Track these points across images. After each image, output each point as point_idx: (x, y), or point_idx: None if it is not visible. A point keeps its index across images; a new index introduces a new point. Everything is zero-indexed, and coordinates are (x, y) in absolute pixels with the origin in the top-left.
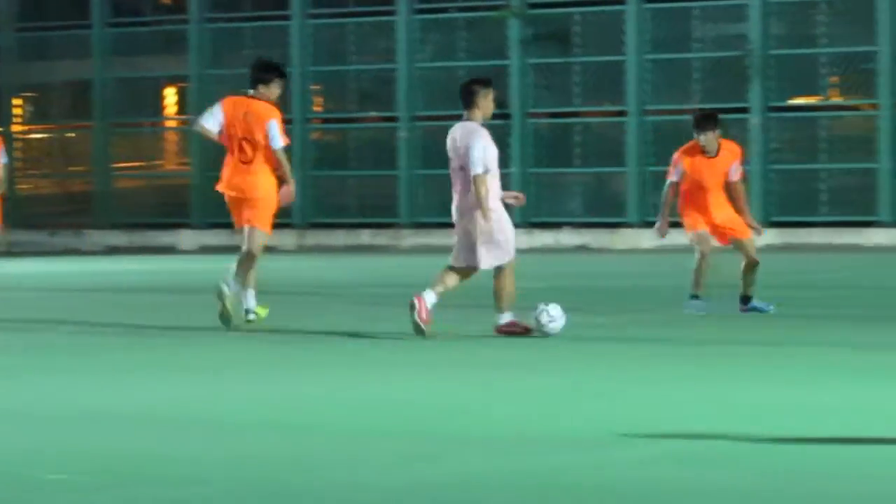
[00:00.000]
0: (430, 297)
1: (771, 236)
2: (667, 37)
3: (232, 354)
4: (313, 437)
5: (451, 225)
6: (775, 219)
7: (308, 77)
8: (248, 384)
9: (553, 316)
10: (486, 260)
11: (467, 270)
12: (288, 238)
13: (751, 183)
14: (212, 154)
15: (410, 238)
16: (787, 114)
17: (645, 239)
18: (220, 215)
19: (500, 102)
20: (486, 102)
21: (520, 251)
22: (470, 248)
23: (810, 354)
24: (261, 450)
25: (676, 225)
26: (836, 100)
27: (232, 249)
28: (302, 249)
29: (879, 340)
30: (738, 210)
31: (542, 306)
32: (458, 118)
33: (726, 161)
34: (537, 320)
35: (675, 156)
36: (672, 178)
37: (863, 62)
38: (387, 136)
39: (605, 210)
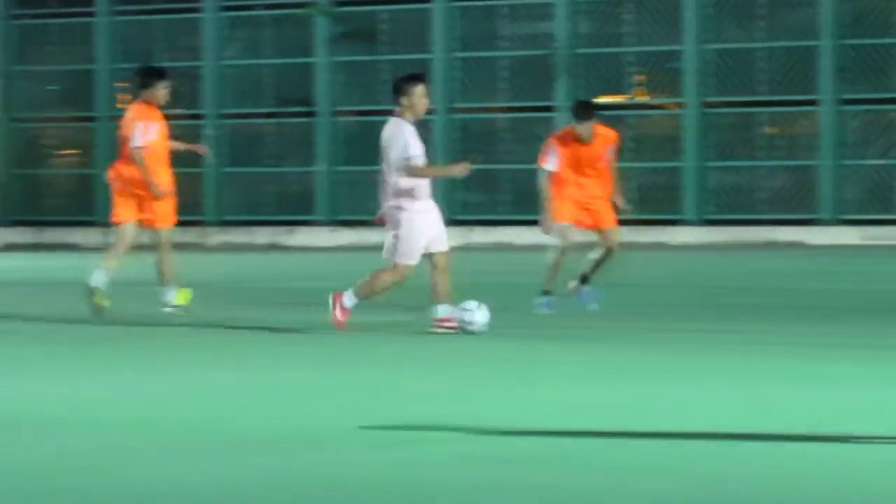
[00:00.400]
0: (467, 310)
1: (576, 235)
2: (474, 35)
3: (19, 352)
4: (89, 436)
5: (256, 223)
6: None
7: (114, 74)
8: (33, 383)
9: (470, 309)
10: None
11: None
12: (92, 236)
13: None
14: (17, 153)
15: (216, 236)
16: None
17: (452, 237)
18: (24, 213)
19: (306, 100)
20: (411, 98)
21: (325, 250)
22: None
23: (605, 353)
24: (38, 451)
25: (472, 223)
26: (642, 98)
27: (36, 248)
28: (107, 247)
29: (683, 337)
30: (612, 191)
31: (464, 305)
32: (265, 116)
33: (601, 146)
34: (460, 319)
35: (549, 142)
36: (548, 166)
37: (668, 61)
38: (193, 134)
39: None
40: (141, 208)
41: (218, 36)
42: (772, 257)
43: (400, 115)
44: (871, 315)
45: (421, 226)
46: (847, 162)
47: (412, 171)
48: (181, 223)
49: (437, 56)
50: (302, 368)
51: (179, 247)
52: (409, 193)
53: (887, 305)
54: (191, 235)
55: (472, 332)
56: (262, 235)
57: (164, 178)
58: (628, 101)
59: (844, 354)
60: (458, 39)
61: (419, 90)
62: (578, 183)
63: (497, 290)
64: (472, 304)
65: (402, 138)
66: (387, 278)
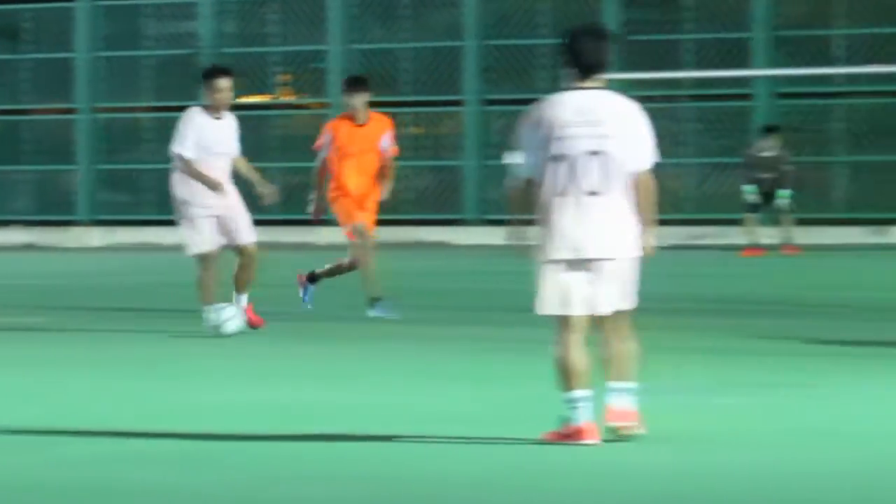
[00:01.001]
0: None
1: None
2: (118, 34)
3: None
4: None
5: None
6: None
7: None
8: None
9: (223, 318)
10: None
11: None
12: None
13: None
14: None
15: None
16: (242, 112)
17: (95, 237)
18: None
19: None
20: (209, 92)
21: None
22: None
23: (257, 355)
24: None
25: (123, 223)
26: (287, 98)
27: None
28: None
29: (328, 338)
30: (382, 184)
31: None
32: None
33: (376, 131)
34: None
35: (324, 127)
36: (322, 152)
37: (313, 61)
38: None
39: (54, 208)
40: None
41: None
42: (417, 258)
43: (203, 108)
44: (511, 314)
45: (202, 218)
46: (491, 162)
47: (180, 166)
48: None
49: (81, 55)
50: None
51: None
52: (191, 186)
53: (526, 305)
54: None
55: (224, 333)
56: None
57: None
58: (273, 101)
59: (481, 353)
60: (101, 38)
61: (220, 83)
62: (354, 168)
63: (145, 290)
64: (227, 307)
65: (179, 129)
66: (200, 276)
